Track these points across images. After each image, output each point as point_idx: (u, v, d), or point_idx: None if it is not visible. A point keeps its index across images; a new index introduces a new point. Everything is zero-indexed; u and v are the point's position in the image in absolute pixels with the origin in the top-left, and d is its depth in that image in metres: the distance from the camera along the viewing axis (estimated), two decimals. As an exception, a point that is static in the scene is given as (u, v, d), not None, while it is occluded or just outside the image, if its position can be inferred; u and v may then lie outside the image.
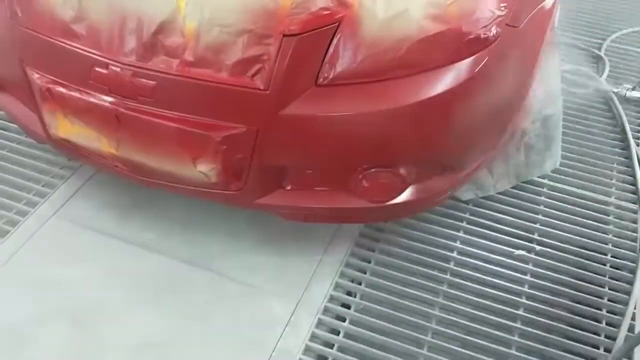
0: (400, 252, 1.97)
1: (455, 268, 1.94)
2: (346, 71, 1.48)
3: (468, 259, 1.96)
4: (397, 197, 1.70)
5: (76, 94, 1.61)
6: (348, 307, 1.84)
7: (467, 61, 1.53)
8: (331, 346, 1.72)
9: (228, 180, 1.63)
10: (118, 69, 1.53)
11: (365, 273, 1.92)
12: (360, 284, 1.90)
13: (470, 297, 1.86)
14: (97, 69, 1.55)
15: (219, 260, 1.91)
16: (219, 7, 1.44)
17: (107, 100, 1.58)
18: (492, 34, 1.51)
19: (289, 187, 1.71)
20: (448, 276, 1.91)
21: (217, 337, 1.71)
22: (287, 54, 1.44)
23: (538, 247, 2.02)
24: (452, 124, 1.58)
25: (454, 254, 1.98)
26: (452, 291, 1.87)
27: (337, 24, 1.44)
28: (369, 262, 1.95)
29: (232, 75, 1.47)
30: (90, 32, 1.53)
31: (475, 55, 1.53)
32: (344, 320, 1.79)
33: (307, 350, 1.69)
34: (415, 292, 1.87)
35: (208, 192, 1.69)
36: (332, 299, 1.84)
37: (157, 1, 1.46)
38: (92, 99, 1.60)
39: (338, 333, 1.74)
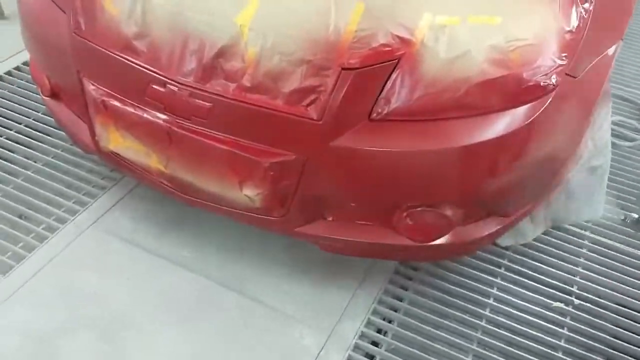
0: (435, 293, 1.94)
1: (490, 315, 1.89)
2: (401, 108, 1.47)
3: (504, 307, 1.92)
4: (439, 238, 1.67)
5: (130, 109, 1.63)
6: (378, 345, 1.81)
7: (524, 108, 1.51)
8: (360, 385, 1.68)
9: (272, 206, 1.62)
10: (175, 88, 1.54)
11: (398, 312, 1.89)
12: (392, 322, 1.87)
13: (504, 346, 1.82)
14: (154, 86, 1.56)
15: (251, 284, 1.90)
16: (282, 35, 1.44)
17: (161, 117, 1.59)
18: (551, 83, 1.50)
19: (330, 218, 1.70)
20: (483, 323, 1.87)
21: (242, 361, 1.69)
22: (344, 87, 1.44)
23: (577, 301, 1.97)
24: (503, 170, 1.56)
25: (490, 300, 1.93)
26: (486, 338, 1.83)
27: (396, 60, 1.43)
28: (402, 301, 1.92)
29: (287, 103, 1.47)
30: (150, 49, 1.55)
31: (533, 103, 1.51)
32: (373, 359, 1.76)
33: (336, 386, 1.66)
34: (448, 337, 1.83)
35: (250, 216, 1.69)
36: (363, 335, 1.81)
37: (221, 25, 1.47)
38: (145, 115, 1.61)
39: (368, 371, 1.71)
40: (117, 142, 1.72)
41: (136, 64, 1.58)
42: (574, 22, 1.54)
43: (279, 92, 1.47)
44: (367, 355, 1.78)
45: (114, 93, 1.64)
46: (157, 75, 1.56)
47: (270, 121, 1.50)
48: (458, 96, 1.45)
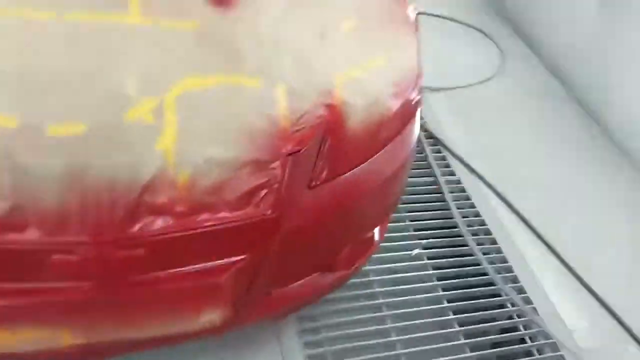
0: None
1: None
2: (340, 166, 1.46)
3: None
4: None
5: (21, 297, 1.22)
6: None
7: (411, 124, 1.65)
8: None
9: (231, 315, 1.47)
10: (89, 249, 1.20)
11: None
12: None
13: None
14: (55, 257, 1.19)
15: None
16: (217, 146, 1.24)
17: (73, 287, 1.24)
18: (419, 98, 1.65)
19: (270, 294, 1.62)
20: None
21: None
22: (293, 172, 1.35)
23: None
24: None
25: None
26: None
27: (327, 127, 1.40)
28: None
29: (234, 210, 1.31)
30: (39, 219, 1.16)
31: (413, 118, 1.66)
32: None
33: None
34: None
35: (198, 333, 1.50)
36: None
37: (139, 160, 1.17)
38: (43, 295, 1.23)
39: None
40: (5, 341, 1.28)
41: (20, 242, 1.17)
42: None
43: (222, 203, 1.29)
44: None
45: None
46: (57, 245, 1.19)
47: (217, 236, 1.32)
48: (380, 137, 1.50)
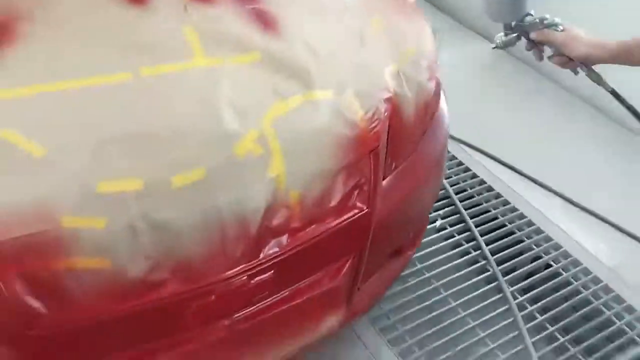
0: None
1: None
2: (402, 154, 1.56)
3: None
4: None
5: (169, 352, 1.25)
6: None
7: (443, 102, 1.79)
8: None
9: (345, 317, 1.54)
10: (226, 286, 1.25)
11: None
12: None
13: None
14: (195, 303, 1.23)
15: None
16: (316, 160, 1.31)
17: (215, 328, 1.28)
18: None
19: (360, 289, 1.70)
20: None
21: None
22: (377, 167, 1.44)
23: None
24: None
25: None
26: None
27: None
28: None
29: (339, 213, 1.39)
30: (176, 270, 1.19)
31: (441, 96, 1.80)
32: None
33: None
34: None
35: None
36: None
37: (258, 189, 1.22)
38: (191, 344, 1.27)
39: None
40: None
41: (161, 298, 1.19)
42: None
43: (328, 211, 1.37)
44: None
45: (141, 351, 1.22)
46: (197, 290, 1.22)
47: (329, 241, 1.39)
48: (426, 120, 1.62)
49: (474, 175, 2.71)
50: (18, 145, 1.08)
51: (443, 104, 1.77)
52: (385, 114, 1.45)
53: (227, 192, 1.19)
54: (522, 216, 2.52)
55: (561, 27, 1.49)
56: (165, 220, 1.13)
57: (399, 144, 1.53)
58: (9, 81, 1.11)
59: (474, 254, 2.34)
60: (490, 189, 2.64)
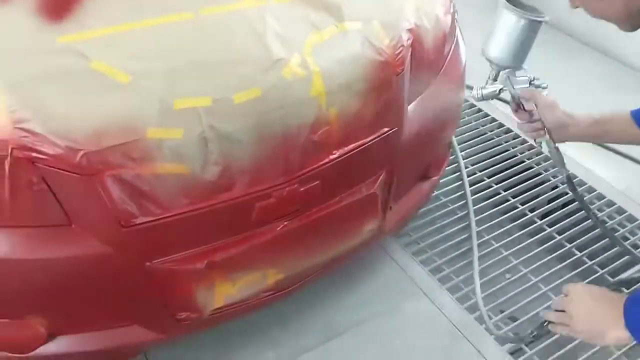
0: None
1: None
2: (424, 81, 1.76)
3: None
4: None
5: (239, 247, 1.47)
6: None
7: (458, 35, 1.98)
8: None
9: (381, 225, 1.76)
10: (281, 191, 1.47)
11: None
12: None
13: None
14: (257, 204, 1.45)
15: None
16: (350, 82, 1.52)
17: (274, 227, 1.50)
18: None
19: (392, 208, 1.91)
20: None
21: None
22: (400, 90, 1.64)
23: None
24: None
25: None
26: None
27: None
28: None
29: (372, 130, 1.59)
30: (244, 175, 1.41)
31: (457, 29, 1.99)
32: None
33: None
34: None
35: (359, 247, 1.78)
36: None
37: (303, 107, 1.44)
38: (256, 240, 1.49)
39: None
40: (227, 292, 1.53)
41: (230, 199, 1.42)
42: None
43: (363, 127, 1.58)
44: None
45: (214, 246, 1.44)
46: (259, 193, 1.45)
47: (366, 154, 1.60)
48: (445, 51, 1.82)
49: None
50: (107, 73, 1.31)
51: (460, 40, 1.96)
52: (408, 42, 1.65)
53: (278, 109, 1.40)
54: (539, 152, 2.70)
55: (546, 92, 1.54)
56: (229, 131, 1.35)
57: (421, 71, 1.73)
58: (96, 22, 1.34)
59: (489, 183, 2.53)
60: (508, 130, 2.82)
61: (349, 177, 1.59)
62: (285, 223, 1.50)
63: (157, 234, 1.36)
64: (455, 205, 2.44)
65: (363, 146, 1.57)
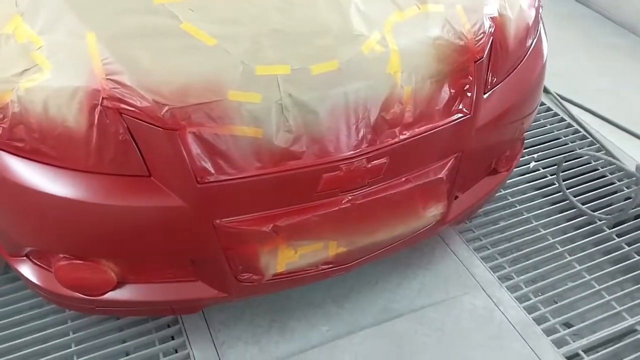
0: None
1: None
2: (502, 71, 1.74)
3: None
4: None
5: (304, 215, 1.51)
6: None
7: (542, 31, 1.94)
8: None
9: (445, 211, 1.75)
10: (348, 165, 1.49)
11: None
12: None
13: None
14: (325, 175, 1.48)
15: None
16: (427, 63, 1.53)
17: (339, 200, 1.53)
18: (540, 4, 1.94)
19: (457, 197, 1.90)
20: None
21: None
22: (479, 77, 1.63)
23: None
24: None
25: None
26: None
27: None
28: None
29: (444, 114, 1.59)
30: (312, 145, 1.44)
31: (541, 25, 1.95)
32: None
33: None
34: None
35: (421, 233, 1.78)
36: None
37: (378, 82, 1.46)
38: (321, 209, 1.52)
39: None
40: (288, 258, 1.57)
41: (299, 167, 1.45)
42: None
43: (436, 109, 1.58)
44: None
45: (280, 211, 1.49)
46: (325, 164, 1.47)
47: (437, 138, 1.60)
48: (526, 43, 1.80)
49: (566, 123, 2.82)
50: (195, 35, 1.38)
51: (543, 35, 1.93)
52: (490, 30, 1.64)
53: (353, 82, 1.43)
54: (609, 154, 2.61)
55: None
56: (305, 100, 1.39)
57: (500, 60, 1.72)
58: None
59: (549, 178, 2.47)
60: (576, 131, 2.75)
61: (417, 159, 1.60)
62: (350, 197, 1.52)
63: (228, 193, 1.41)
64: (522, 207, 2.40)
65: (434, 129, 1.57)
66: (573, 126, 2.80)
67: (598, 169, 2.60)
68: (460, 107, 1.61)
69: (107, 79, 1.33)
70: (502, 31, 1.70)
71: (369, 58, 1.45)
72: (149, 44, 1.37)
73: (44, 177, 1.39)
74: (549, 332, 1.94)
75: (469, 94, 1.62)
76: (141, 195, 1.41)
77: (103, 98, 1.33)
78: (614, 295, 2.08)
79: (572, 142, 2.73)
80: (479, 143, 1.73)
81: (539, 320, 1.97)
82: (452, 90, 1.58)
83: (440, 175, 1.64)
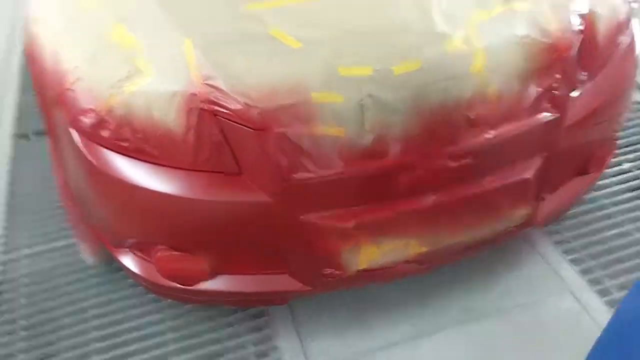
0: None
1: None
2: (593, 69, 1.70)
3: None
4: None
5: (386, 213, 1.54)
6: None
7: (634, 30, 1.87)
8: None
9: (532, 213, 1.73)
10: (431, 164, 1.51)
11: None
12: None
13: None
14: (406, 174, 1.50)
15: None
16: (512, 62, 1.53)
17: (421, 199, 1.55)
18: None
19: (544, 199, 1.86)
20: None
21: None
22: (567, 74, 1.60)
23: None
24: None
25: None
26: None
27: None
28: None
29: (531, 114, 1.58)
30: (395, 143, 1.48)
31: (632, 24, 1.88)
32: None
33: None
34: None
35: (507, 233, 1.77)
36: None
37: (462, 82, 1.48)
38: (402, 209, 1.55)
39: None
40: (371, 255, 1.61)
41: (381, 165, 1.49)
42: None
43: (522, 109, 1.57)
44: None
45: (362, 209, 1.53)
46: (409, 163, 1.50)
47: (523, 138, 1.59)
48: (617, 42, 1.75)
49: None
50: (282, 39, 1.45)
51: (637, 31, 1.87)
52: (580, 27, 1.61)
53: (437, 82, 1.46)
54: None
55: None
56: (387, 101, 1.43)
57: (590, 58, 1.68)
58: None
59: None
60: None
61: (503, 159, 1.60)
62: (433, 196, 1.55)
63: (312, 190, 1.47)
64: (614, 209, 2.32)
65: (520, 129, 1.57)
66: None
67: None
68: (548, 107, 1.59)
69: (204, 83, 1.43)
70: (592, 28, 1.67)
71: (453, 57, 1.47)
72: (240, 49, 1.46)
73: (146, 174, 1.51)
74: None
75: (556, 93, 1.59)
76: (232, 192, 1.50)
77: (200, 102, 1.43)
78: None
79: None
80: (567, 143, 1.70)
81: (631, 327, 1.89)
82: (539, 89, 1.57)
83: (526, 177, 1.63)
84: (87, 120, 1.49)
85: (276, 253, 1.62)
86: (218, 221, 1.52)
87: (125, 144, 1.49)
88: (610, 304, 1.98)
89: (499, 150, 1.57)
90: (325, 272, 1.64)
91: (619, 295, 2.01)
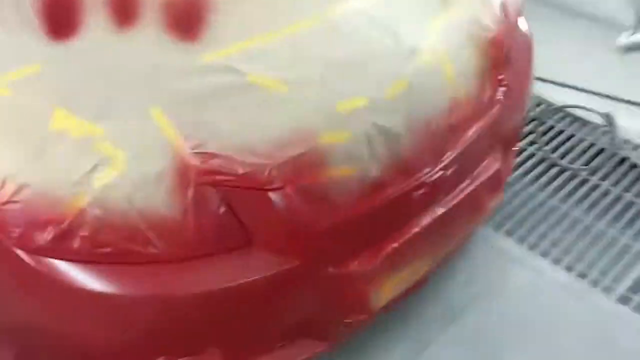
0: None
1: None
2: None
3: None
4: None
5: (404, 238, 1.48)
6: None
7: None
8: None
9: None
10: (435, 177, 1.48)
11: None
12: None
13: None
14: (417, 193, 1.46)
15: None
16: (473, 61, 1.56)
17: (431, 215, 1.52)
18: None
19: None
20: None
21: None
22: (509, 65, 1.69)
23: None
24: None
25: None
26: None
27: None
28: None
29: (492, 106, 1.64)
30: (402, 166, 1.42)
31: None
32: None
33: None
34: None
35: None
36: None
37: (437, 94, 1.46)
38: (415, 229, 1.50)
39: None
40: (390, 288, 1.53)
41: (396, 192, 1.42)
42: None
43: (486, 104, 1.62)
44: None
45: (387, 240, 1.45)
46: (417, 182, 1.45)
47: (490, 132, 1.64)
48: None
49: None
50: (265, 85, 1.29)
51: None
52: (502, 24, 1.70)
53: (424, 97, 1.42)
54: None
55: None
56: (389, 126, 1.36)
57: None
58: (233, 36, 1.30)
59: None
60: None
61: (479, 156, 1.63)
62: (442, 208, 1.52)
63: (337, 237, 1.35)
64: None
65: (488, 123, 1.60)
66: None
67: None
68: (501, 98, 1.65)
69: (193, 153, 1.21)
70: (509, 17, 1.76)
71: (426, 68, 1.45)
72: (221, 105, 1.26)
73: (137, 280, 1.24)
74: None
75: (504, 84, 1.66)
76: (245, 269, 1.30)
77: (195, 175, 1.20)
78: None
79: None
80: (516, 128, 1.79)
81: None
82: (493, 83, 1.62)
83: (497, 167, 1.68)
84: (44, 235, 1.17)
85: (300, 318, 1.45)
86: (230, 308, 1.32)
87: (107, 250, 1.20)
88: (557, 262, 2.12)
89: (477, 150, 1.60)
90: (347, 321, 1.50)
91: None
